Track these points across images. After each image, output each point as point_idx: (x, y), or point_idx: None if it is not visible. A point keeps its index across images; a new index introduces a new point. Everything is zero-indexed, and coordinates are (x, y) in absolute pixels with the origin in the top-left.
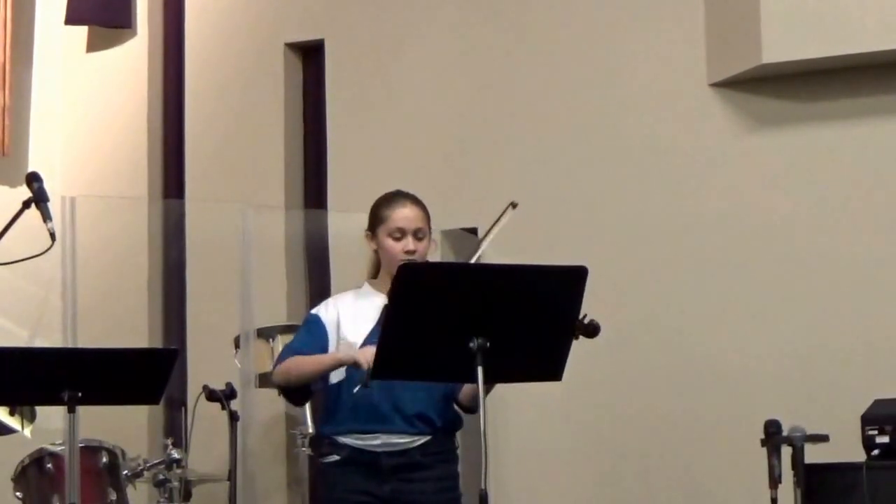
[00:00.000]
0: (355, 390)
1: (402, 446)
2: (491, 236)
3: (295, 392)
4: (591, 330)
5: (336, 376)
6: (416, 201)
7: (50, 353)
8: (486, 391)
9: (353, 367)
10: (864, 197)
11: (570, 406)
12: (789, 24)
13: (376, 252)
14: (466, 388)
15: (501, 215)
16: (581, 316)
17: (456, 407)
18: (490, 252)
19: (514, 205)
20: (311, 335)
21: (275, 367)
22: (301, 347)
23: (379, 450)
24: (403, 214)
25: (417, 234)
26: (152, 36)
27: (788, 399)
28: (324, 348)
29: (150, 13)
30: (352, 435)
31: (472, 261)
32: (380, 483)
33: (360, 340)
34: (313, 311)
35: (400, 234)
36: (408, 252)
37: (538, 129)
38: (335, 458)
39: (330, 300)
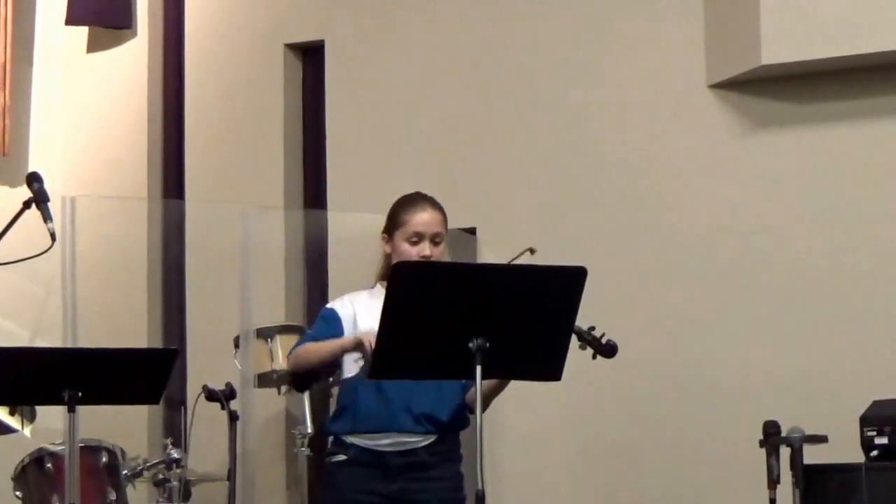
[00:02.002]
0: (355, 374)
1: (411, 445)
2: None
3: (301, 378)
4: (609, 350)
5: (350, 370)
6: (435, 205)
7: (50, 353)
8: (499, 390)
9: (356, 349)
10: (865, 198)
11: (568, 406)
12: (789, 26)
13: (389, 255)
14: (475, 390)
15: (518, 256)
16: (600, 335)
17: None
18: (488, 252)
19: (532, 251)
20: (328, 326)
21: (291, 351)
22: (317, 336)
23: (387, 449)
24: (423, 219)
25: (434, 239)
26: (152, 37)
27: (787, 400)
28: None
29: (151, 14)
30: (361, 435)
31: None
32: (387, 482)
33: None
34: (329, 305)
35: (417, 238)
36: (423, 257)
37: (537, 129)
38: (342, 457)
39: (346, 297)
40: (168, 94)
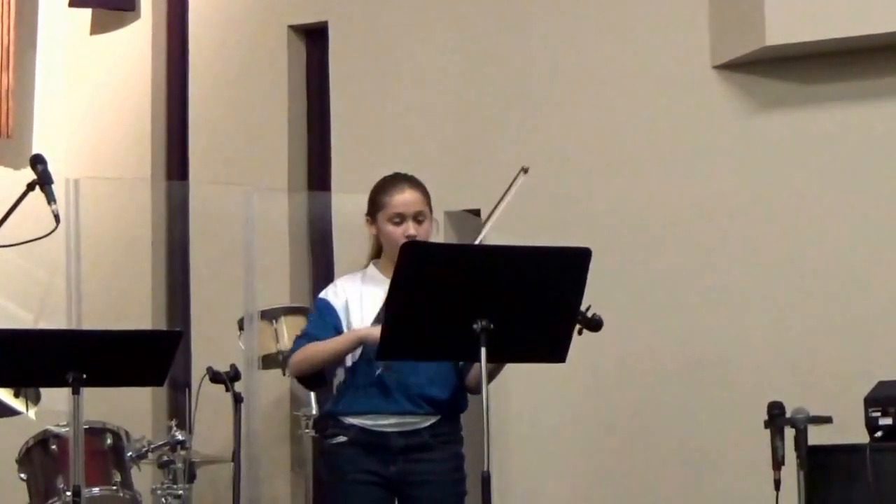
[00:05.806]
0: (379, 371)
1: (413, 426)
2: (506, 202)
3: (311, 378)
4: (595, 324)
5: (350, 358)
6: (414, 184)
7: (54, 335)
8: (496, 371)
9: (369, 344)
10: (868, 179)
11: (572, 388)
12: (793, 6)
13: (377, 237)
14: (475, 371)
15: (514, 181)
16: (585, 309)
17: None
18: (492, 233)
19: (525, 170)
20: (324, 319)
21: (290, 356)
22: (316, 333)
23: (389, 430)
24: (402, 199)
25: (417, 218)
26: (156, 18)
27: (792, 381)
28: (338, 330)
29: None
30: (361, 415)
31: (486, 226)
32: (386, 464)
33: (367, 325)
34: (321, 295)
35: (400, 218)
36: (408, 237)
37: (541, 111)
38: (342, 438)
39: (338, 283)
40: (171, 76)
